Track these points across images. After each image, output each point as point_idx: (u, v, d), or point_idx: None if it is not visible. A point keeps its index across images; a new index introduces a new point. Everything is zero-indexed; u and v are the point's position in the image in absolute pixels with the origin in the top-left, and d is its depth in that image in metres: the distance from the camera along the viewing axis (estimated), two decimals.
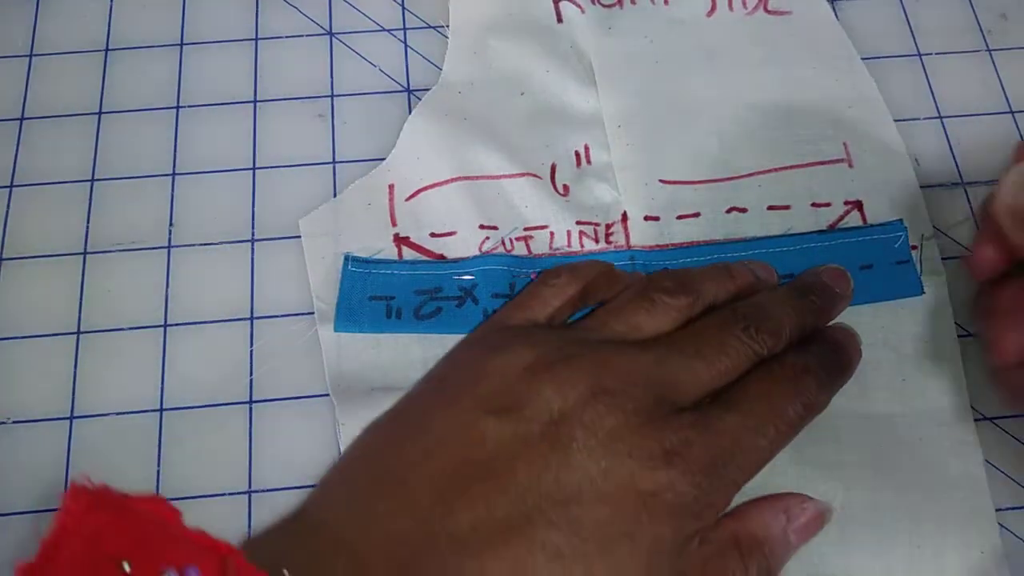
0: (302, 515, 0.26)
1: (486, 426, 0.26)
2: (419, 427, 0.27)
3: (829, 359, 0.30)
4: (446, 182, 0.35)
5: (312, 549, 0.24)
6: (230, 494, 0.30)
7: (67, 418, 0.31)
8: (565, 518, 0.24)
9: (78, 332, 0.33)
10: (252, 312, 0.33)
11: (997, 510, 0.30)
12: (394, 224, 0.34)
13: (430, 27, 0.39)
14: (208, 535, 0.21)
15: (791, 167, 0.36)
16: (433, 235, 0.34)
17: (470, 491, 0.25)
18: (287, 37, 0.39)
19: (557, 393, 0.26)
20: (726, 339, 0.28)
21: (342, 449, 0.30)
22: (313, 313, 0.33)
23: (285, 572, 0.21)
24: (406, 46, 0.39)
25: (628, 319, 0.29)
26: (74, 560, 0.19)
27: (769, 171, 0.36)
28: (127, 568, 0.18)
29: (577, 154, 0.36)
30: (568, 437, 0.25)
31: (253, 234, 0.35)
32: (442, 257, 0.34)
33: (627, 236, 0.34)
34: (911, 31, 0.40)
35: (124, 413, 0.31)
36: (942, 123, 0.37)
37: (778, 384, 0.28)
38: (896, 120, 0.37)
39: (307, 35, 0.39)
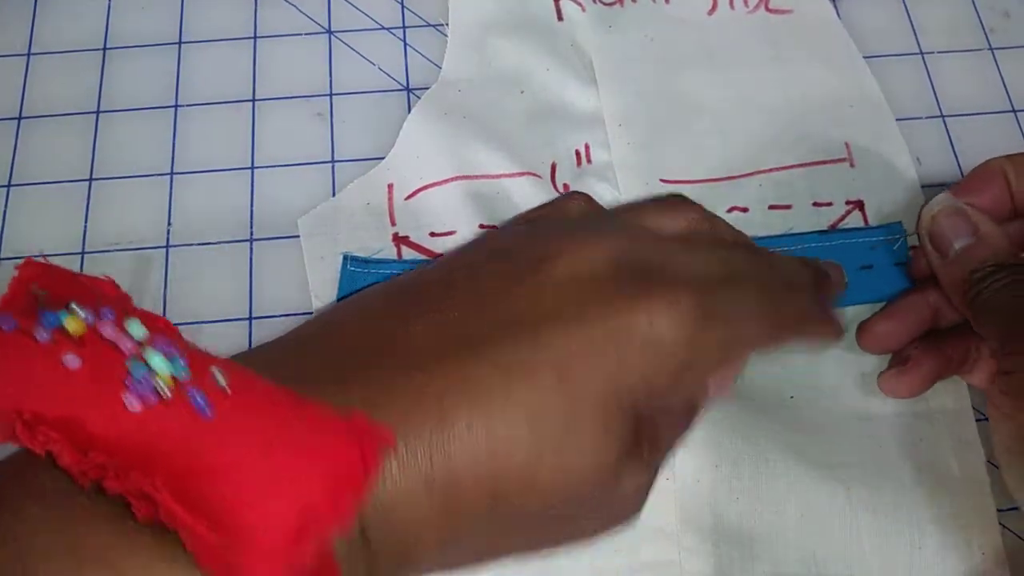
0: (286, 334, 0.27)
1: (472, 261, 0.27)
2: (420, 270, 0.29)
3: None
4: (446, 181, 0.35)
5: (271, 355, 0.25)
6: None
7: None
8: (524, 338, 0.24)
9: None
10: (251, 312, 0.33)
11: (998, 510, 0.30)
12: (393, 223, 0.34)
13: (430, 25, 0.39)
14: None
15: (792, 166, 0.36)
16: (433, 234, 0.34)
17: (430, 309, 0.25)
18: (286, 35, 0.39)
19: (552, 242, 0.27)
20: (723, 251, 0.28)
21: None
22: (312, 313, 0.33)
23: (195, 345, 0.21)
24: (405, 44, 0.39)
25: (638, 211, 0.30)
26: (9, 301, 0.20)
27: (770, 170, 0.36)
28: (35, 289, 0.19)
29: (577, 153, 0.36)
30: (547, 274, 0.25)
31: (252, 233, 0.34)
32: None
33: None
34: (913, 29, 0.39)
35: None
36: (944, 122, 0.37)
37: (776, 284, 0.28)
38: (898, 119, 0.37)
39: (306, 34, 0.39)
